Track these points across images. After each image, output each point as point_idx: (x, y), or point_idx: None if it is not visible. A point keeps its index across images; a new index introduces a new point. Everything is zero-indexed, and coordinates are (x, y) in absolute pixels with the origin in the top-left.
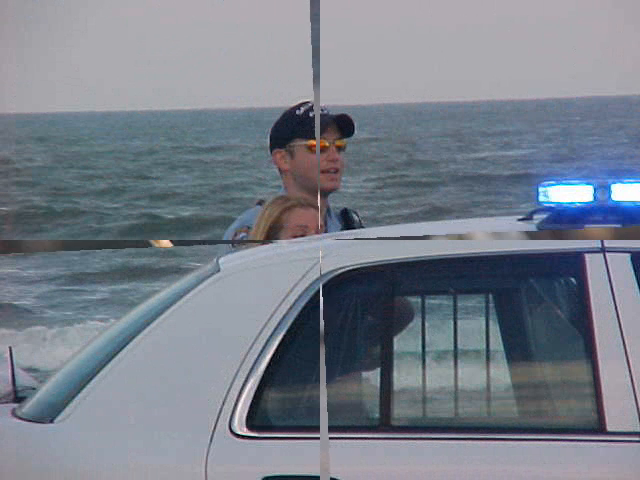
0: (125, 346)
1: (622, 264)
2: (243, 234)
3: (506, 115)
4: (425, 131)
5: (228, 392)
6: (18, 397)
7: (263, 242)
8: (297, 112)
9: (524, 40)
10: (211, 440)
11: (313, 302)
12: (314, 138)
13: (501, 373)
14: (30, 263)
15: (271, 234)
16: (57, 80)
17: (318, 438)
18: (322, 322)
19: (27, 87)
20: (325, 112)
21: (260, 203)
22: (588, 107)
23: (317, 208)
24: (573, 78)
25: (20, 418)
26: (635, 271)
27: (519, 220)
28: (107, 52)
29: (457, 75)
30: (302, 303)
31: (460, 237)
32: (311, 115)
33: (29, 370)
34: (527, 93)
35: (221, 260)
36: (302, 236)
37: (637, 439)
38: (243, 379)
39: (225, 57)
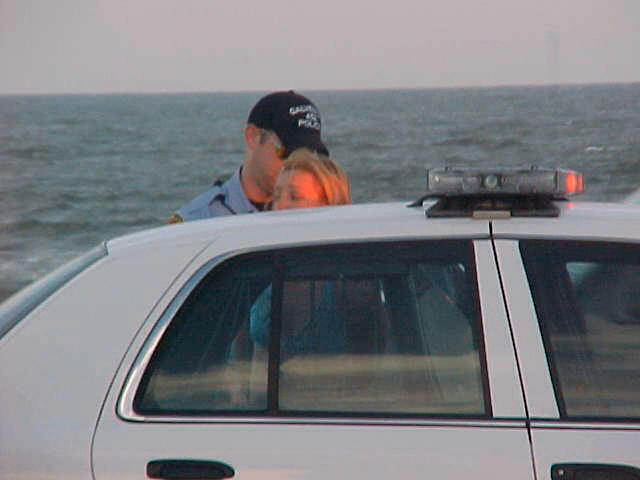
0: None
1: (510, 251)
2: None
3: None
4: None
5: (115, 375)
6: None
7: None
8: (291, 110)
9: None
10: (97, 424)
11: (202, 286)
12: (286, 145)
13: (389, 360)
14: None
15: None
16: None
17: (205, 422)
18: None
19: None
20: (314, 126)
21: (218, 183)
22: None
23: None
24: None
25: None
26: (523, 258)
27: (409, 206)
28: (107, 51)
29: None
30: (190, 287)
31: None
32: (299, 125)
33: None
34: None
35: (109, 243)
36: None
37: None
38: (130, 363)
39: (225, 57)
